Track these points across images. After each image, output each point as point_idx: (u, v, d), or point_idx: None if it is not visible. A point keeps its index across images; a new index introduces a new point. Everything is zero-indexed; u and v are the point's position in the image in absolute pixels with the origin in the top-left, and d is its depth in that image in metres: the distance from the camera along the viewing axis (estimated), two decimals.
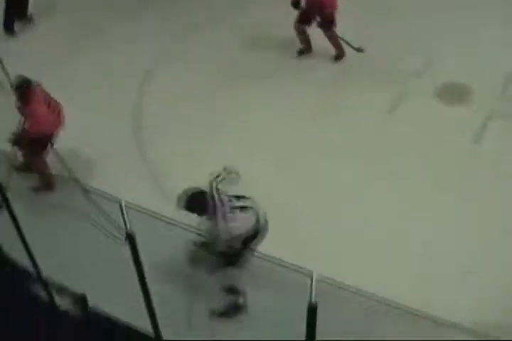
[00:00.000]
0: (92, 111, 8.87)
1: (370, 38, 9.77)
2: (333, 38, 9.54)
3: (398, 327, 5.83)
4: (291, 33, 9.64)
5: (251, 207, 5.96)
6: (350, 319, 6.02)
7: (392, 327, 5.87)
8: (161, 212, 4.92)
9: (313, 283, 3.88)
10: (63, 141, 7.39)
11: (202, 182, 5.92)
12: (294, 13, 9.39)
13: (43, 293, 6.12)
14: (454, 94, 9.15)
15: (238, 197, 6.01)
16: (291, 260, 4.52)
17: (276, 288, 6.30)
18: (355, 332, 5.82)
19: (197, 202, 5.81)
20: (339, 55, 9.75)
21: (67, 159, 7.05)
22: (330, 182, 7.85)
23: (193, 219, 5.68)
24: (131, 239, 4.78)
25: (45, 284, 5.99)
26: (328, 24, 9.27)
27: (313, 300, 3.96)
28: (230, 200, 5.94)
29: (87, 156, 8.12)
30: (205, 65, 9.71)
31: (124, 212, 4.60)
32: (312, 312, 4.03)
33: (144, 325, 5.77)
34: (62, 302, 6.08)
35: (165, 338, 5.86)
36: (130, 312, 5.92)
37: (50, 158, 7.34)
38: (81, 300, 5.61)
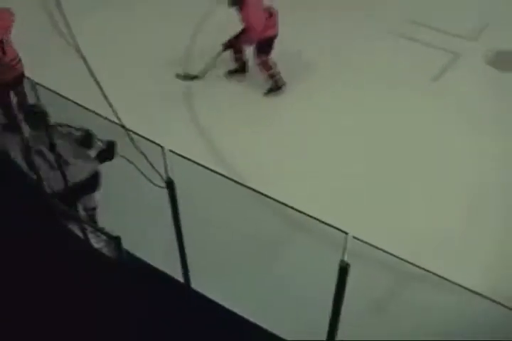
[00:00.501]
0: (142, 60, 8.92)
1: None
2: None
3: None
4: None
5: None
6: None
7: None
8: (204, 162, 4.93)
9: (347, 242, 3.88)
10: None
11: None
12: None
13: (77, 231, 6.18)
14: (507, 62, 8.94)
15: None
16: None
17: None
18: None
19: None
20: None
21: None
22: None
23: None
24: (170, 186, 4.78)
25: (81, 222, 6.04)
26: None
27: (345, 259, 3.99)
28: None
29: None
30: None
31: (166, 158, 4.61)
32: (343, 270, 4.06)
33: (176, 272, 5.86)
34: (96, 242, 6.13)
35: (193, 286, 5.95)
36: (163, 259, 5.99)
37: None
38: (115, 242, 5.64)
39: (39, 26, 9.26)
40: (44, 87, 5.77)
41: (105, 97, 4.33)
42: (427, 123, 8.03)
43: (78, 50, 4.20)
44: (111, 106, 4.36)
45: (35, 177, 6.02)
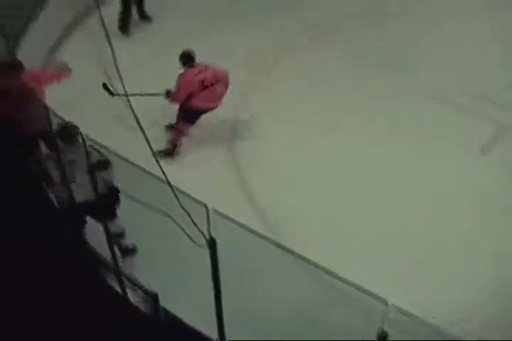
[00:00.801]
0: None
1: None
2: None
3: None
4: None
5: None
6: None
7: None
8: (246, 223, 4.90)
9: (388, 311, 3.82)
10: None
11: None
12: None
13: (116, 285, 6.19)
14: None
15: None
16: None
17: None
18: None
19: None
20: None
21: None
22: None
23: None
24: (212, 245, 4.77)
25: (120, 276, 6.05)
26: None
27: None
28: None
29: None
30: None
31: (210, 217, 4.60)
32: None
33: (210, 331, 5.79)
34: (134, 297, 6.12)
35: None
36: (199, 318, 5.93)
37: None
38: (152, 298, 5.63)
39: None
40: (92, 140, 5.86)
41: (153, 154, 4.40)
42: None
43: (130, 109, 4.27)
44: (158, 163, 4.40)
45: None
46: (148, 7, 11.00)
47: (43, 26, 9.79)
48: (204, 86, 8.24)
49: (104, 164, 6.21)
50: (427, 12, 11.20)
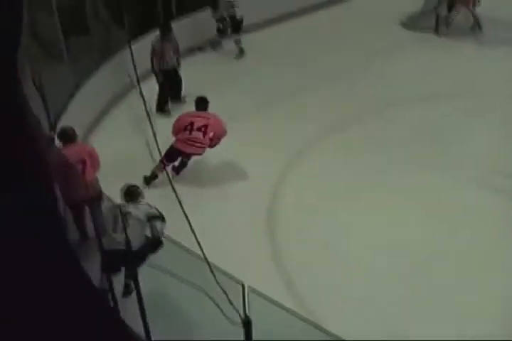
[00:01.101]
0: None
1: None
2: None
3: None
4: None
5: None
6: None
7: None
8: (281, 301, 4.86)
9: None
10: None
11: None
12: None
13: None
14: None
15: None
16: None
17: None
18: None
19: None
20: None
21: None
22: None
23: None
24: (247, 325, 4.72)
25: None
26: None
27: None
28: None
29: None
30: None
31: (246, 295, 4.58)
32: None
33: None
34: None
35: None
36: None
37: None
38: None
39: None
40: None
41: (193, 232, 4.42)
42: None
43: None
44: (197, 240, 4.42)
45: None
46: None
47: (84, 102, 10.07)
48: (191, 128, 8.77)
49: (161, 217, 6.90)
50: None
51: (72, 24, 10.37)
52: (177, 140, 8.99)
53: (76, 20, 10.67)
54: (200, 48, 13.39)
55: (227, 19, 12.80)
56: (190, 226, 4.45)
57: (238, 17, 12.74)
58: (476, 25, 14.40)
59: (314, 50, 13.18)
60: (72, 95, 9.81)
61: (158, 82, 11.02)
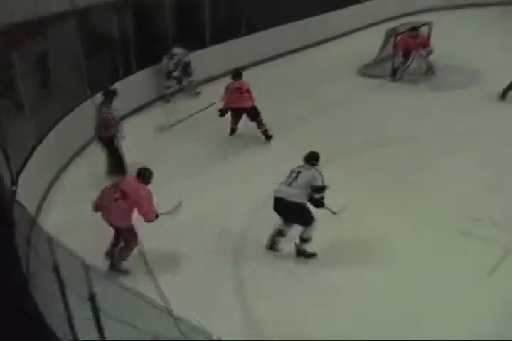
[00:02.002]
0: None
1: None
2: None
3: None
4: None
5: None
6: None
7: None
8: None
9: None
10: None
11: None
12: None
13: None
14: None
15: None
16: None
17: None
18: None
19: None
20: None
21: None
22: None
23: None
24: None
25: None
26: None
27: None
28: None
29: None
30: None
31: None
32: None
33: None
34: None
35: None
36: None
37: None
38: None
39: None
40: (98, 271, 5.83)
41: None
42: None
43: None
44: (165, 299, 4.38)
45: None
46: None
47: (45, 156, 10.02)
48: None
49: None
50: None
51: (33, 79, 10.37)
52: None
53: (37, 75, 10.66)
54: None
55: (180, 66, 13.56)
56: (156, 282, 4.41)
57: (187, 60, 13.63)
58: (430, 71, 14.89)
59: (272, 98, 13.40)
60: (34, 148, 9.74)
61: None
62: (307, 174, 8.22)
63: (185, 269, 8.55)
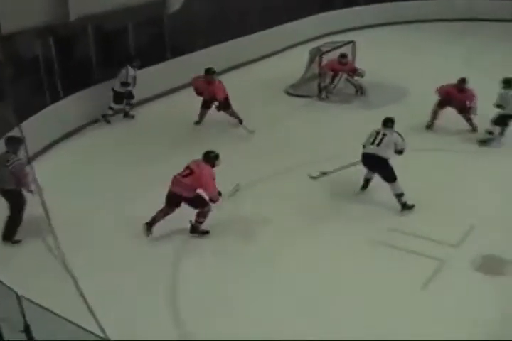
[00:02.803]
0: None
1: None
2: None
3: None
4: None
5: None
6: None
7: None
8: None
9: None
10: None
11: None
12: None
13: None
14: (492, 266, 8.89)
15: None
16: None
17: None
18: None
19: None
20: None
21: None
22: None
23: None
24: None
25: None
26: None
27: None
28: None
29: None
30: None
31: None
32: None
33: None
34: None
35: None
36: None
37: None
38: None
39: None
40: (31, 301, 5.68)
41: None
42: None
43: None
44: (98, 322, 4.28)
45: None
46: None
47: None
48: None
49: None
50: None
51: None
52: None
53: None
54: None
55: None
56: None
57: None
58: (360, 91, 15.14)
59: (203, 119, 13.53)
60: None
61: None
62: (391, 137, 10.13)
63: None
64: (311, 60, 15.66)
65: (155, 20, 15.17)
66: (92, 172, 11.43)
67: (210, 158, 9.30)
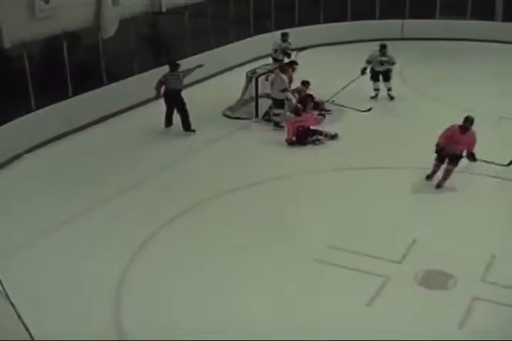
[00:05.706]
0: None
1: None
2: None
3: None
4: None
5: None
6: None
7: None
8: None
9: None
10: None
11: None
12: None
13: None
14: (435, 280, 9.03)
15: None
16: None
17: None
18: None
19: None
20: None
21: None
22: None
23: None
24: None
25: None
26: None
27: None
28: None
29: None
30: None
31: None
32: None
33: None
34: None
35: None
36: None
37: None
38: None
39: None
40: None
41: None
42: None
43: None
44: None
45: None
46: None
47: None
48: None
49: None
50: None
51: None
52: None
53: None
54: None
55: None
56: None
57: None
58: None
59: (144, 143, 13.65)
60: None
61: None
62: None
63: None
64: (248, 82, 15.72)
65: (90, 45, 15.05)
66: None
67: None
